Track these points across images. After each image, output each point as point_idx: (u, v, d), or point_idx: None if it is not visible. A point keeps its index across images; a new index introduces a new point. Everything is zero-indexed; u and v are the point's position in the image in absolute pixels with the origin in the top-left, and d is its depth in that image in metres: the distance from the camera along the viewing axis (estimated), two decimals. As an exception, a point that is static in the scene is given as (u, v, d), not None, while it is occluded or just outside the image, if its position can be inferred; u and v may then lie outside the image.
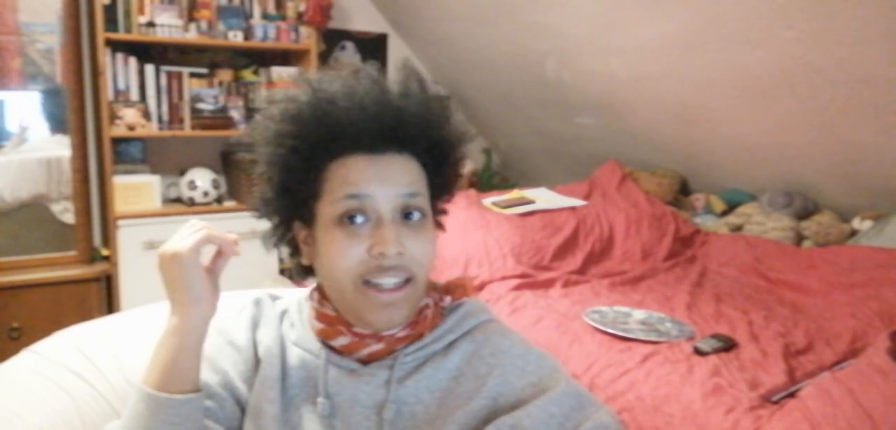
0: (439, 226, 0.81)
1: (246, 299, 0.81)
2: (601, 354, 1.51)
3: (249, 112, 2.96)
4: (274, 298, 0.83)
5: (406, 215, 0.70)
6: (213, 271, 0.72)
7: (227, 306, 0.79)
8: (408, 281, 0.70)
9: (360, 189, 0.69)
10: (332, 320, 0.74)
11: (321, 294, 0.77)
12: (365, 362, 0.74)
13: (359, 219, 0.69)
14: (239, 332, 0.78)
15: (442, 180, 0.77)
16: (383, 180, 0.69)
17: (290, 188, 0.73)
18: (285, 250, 0.80)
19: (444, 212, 0.82)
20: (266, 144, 0.73)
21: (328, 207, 0.70)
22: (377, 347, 0.73)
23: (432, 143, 0.74)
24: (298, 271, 0.80)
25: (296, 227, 0.76)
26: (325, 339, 0.75)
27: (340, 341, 0.74)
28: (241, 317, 0.79)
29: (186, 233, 0.70)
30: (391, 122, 0.70)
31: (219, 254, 0.72)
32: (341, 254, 0.69)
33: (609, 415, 0.68)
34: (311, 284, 0.81)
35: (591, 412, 0.68)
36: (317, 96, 0.71)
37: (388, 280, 0.69)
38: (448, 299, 0.81)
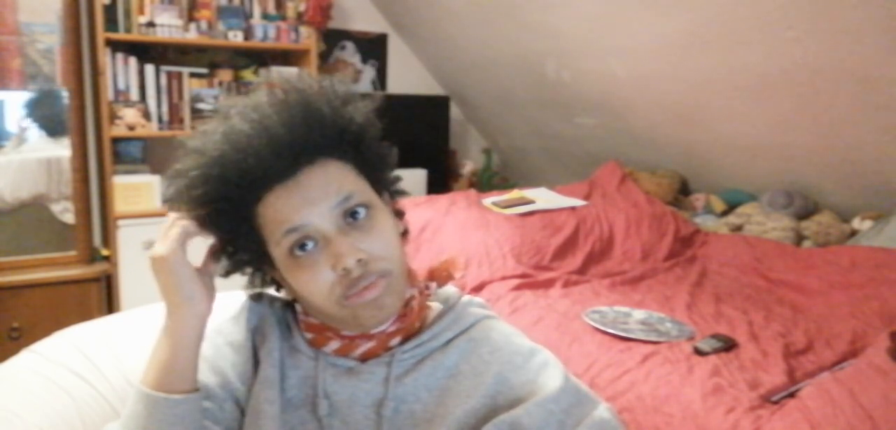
0: (401, 194, 0.80)
1: (244, 299, 0.81)
2: (601, 354, 1.51)
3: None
4: (271, 298, 0.82)
5: (352, 215, 0.69)
6: (206, 271, 0.71)
7: (225, 307, 0.79)
8: (382, 277, 0.68)
9: (293, 221, 0.67)
10: (319, 329, 0.74)
11: (304, 308, 0.76)
12: (362, 359, 0.74)
13: (309, 246, 0.68)
14: (238, 333, 0.78)
15: (372, 163, 0.74)
16: (310, 201, 0.67)
17: (233, 246, 0.73)
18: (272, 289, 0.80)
19: (395, 183, 0.80)
20: (195, 213, 0.71)
21: (276, 249, 0.69)
22: (369, 345, 0.73)
23: (339, 137, 0.71)
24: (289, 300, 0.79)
25: (266, 270, 0.76)
26: (316, 346, 0.75)
27: (332, 346, 0.74)
28: (240, 318, 0.79)
29: (165, 231, 0.69)
30: (283, 144, 0.68)
31: (212, 253, 0.72)
32: (310, 285, 0.68)
33: (609, 411, 0.67)
34: None
35: (590, 408, 0.67)
36: (209, 160, 0.68)
37: (362, 284, 0.68)
38: (434, 285, 0.81)
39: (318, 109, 0.70)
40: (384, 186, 0.77)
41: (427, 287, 0.80)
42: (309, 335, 0.76)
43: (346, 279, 0.67)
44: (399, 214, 0.80)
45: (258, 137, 0.67)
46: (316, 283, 0.68)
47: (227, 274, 0.75)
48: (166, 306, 0.69)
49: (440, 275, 0.81)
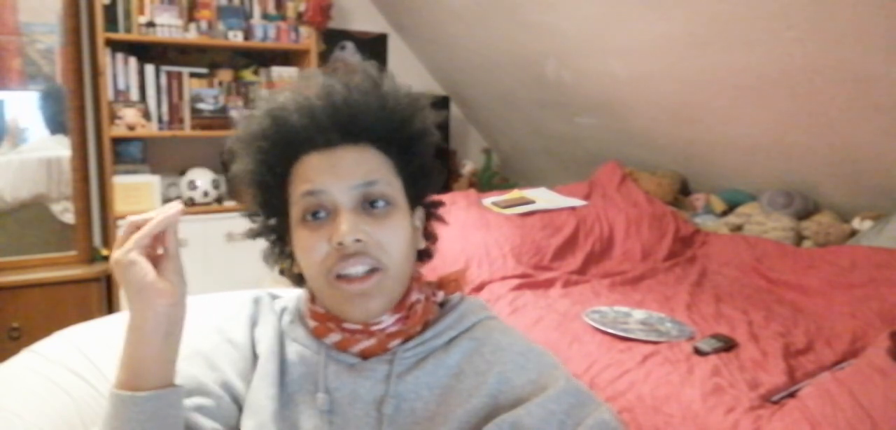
0: (438, 219, 0.82)
1: (245, 297, 0.82)
2: (601, 354, 1.51)
3: (249, 112, 2.97)
4: (273, 296, 0.83)
5: (371, 204, 0.71)
6: (166, 257, 0.66)
7: (226, 306, 0.79)
8: (375, 270, 0.69)
9: (315, 185, 0.70)
10: (322, 318, 0.75)
11: (311, 294, 0.77)
12: (364, 357, 0.74)
13: (321, 214, 0.70)
14: (237, 330, 0.78)
15: (414, 171, 0.76)
16: (337, 173, 0.70)
17: (265, 200, 0.76)
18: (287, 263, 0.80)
19: (435, 206, 0.81)
20: (241, 161, 0.75)
21: (294, 208, 0.72)
22: (368, 343, 0.73)
23: (390, 133, 0.73)
24: (294, 280, 0.80)
25: (286, 239, 0.77)
26: (318, 337, 0.75)
27: (332, 338, 0.74)
28: (240, 315, 0.79)
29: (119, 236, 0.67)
30: (339, 116, 0.71)
31: (162, 237, 0.66)
32: (307, 251, 0.70)
33: (609, 413, 0.68)
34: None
35: (591, 409, 0.67)
36: (270, 108, 0.73)
37: (355, 269, 0.69)
38: (441, 294, 0.81)
39: (382, 98, 0.73)
40: (419, 201, 0.78)
41: (434, 294, 0.80)
42: (312, 325, 0.76)
43: (338, 252, 0.68)
44: (430, 237, 0.81)
45: (320, 101, 0.71)
46: (312, 250, 0.69)
47: (254, 236, 0.78)
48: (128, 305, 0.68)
49: (448, 285, 0.82)
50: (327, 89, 0.72)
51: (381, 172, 0.72)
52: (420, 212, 0.79)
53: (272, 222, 0.77)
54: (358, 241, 0.67)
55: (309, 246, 0.70)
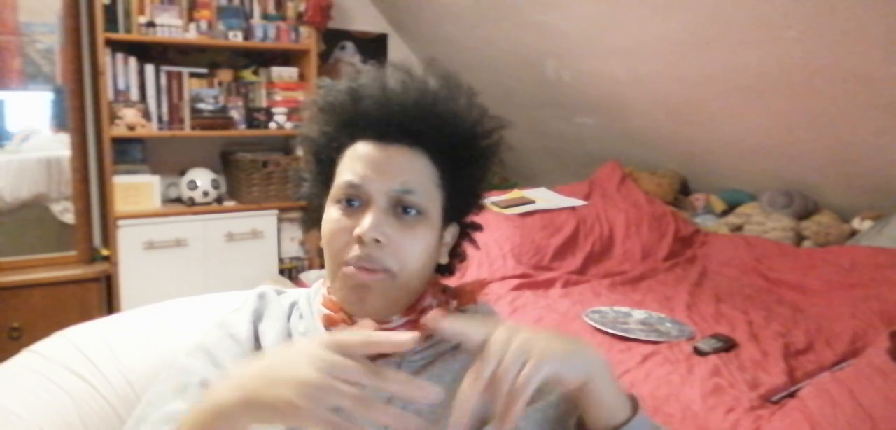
0: (471, 241, 0.82)
1: (250, 293, 0.82)
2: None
3: (249, 112, 2.97)
4: (280, 292, 0.83)
5: (404, 210, 0.71)
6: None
7: (231, 301, 0.78)
8: (384, 270, 0.69)
9: (357, 175, 0.70)
10: (334, 307, 0.75)
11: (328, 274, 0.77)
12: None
13: (355, 203, 0.71)
14: (240, 325, 0.78)
15: (459, 187, 0.76)
16: (381, 170, 0.70)
17: (317, 171, 0.78)
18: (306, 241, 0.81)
19: (472, 228, 0.81)
20: (308, 125, 0.78)
21: (334, 188, 0.73)
22: None
23: (450, 144, 0.73)
24: (320, 255, 0.81)
25: (321, 210, 0.79)
26: (328, 326, 0.75)
27: (340, 329, 0.74)
28: (244, 310, 0.79)
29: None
30: (401, 114, 0.71)
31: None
32: (331, 232, 0.71)
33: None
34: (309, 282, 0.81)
35: None
36: (349, 86, 0.75)
37: (364, 264, 0.69)
38: (455, 303, 0.81)
39: (451, 111, 0.74)
40: (457, 218, 0.78)
41: (448, 303, 0.79)
42: (324, 312, 0.76)
43: (356, 243, 0.69)
44: (459, 256, 0.81)
45: (399, 92, 0.73)
46: (335, 234, 0.71)
47: (299, 198, 0.81)
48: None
49: (464, 296, 0.81)
50: (412, 83, 0.74)
51: (422, 181, 0.72)
52: (454, 228, 0.79)
53: (317, 190, 0.78)
54: (376, 241, 0.68)
55: (334, 229, 0.71)
